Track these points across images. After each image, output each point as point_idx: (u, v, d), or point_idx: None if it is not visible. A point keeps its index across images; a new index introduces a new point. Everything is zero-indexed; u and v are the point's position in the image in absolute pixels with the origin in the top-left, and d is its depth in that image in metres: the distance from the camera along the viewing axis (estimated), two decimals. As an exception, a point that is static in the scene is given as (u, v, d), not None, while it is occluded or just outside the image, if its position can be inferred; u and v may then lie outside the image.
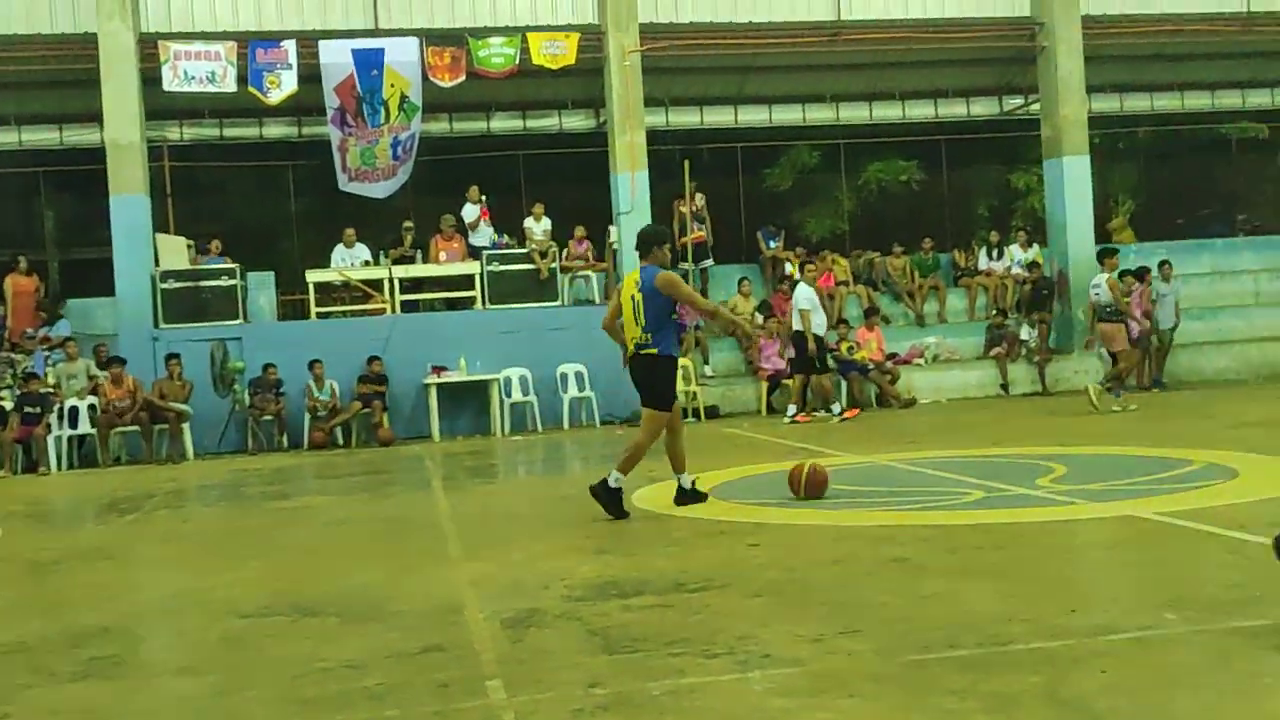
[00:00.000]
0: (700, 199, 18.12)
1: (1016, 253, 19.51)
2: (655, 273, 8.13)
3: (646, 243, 8.32)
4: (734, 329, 9.54)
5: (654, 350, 8.10)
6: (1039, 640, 4.53)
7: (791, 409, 15.41)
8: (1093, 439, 11.27)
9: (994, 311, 18.68)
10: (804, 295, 15.32)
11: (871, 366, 16.97)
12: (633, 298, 8.15)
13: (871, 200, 22.69)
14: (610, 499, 8.12)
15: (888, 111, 20.53)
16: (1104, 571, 5.77)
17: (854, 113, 20.45)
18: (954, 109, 20.75)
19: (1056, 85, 18.39)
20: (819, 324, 15.31)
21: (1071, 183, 18.39)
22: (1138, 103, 21.17)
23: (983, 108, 20.87)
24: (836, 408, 15.61)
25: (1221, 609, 4.82)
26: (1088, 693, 3.90)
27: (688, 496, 8.40)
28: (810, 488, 8.42)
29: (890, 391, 16.88)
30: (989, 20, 18.88)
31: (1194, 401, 15.11)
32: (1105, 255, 15.07)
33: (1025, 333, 18.19)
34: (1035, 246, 19.41)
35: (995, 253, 19.66)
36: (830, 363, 15.89)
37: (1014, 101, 20.57)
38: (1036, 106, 19.37)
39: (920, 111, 20.64)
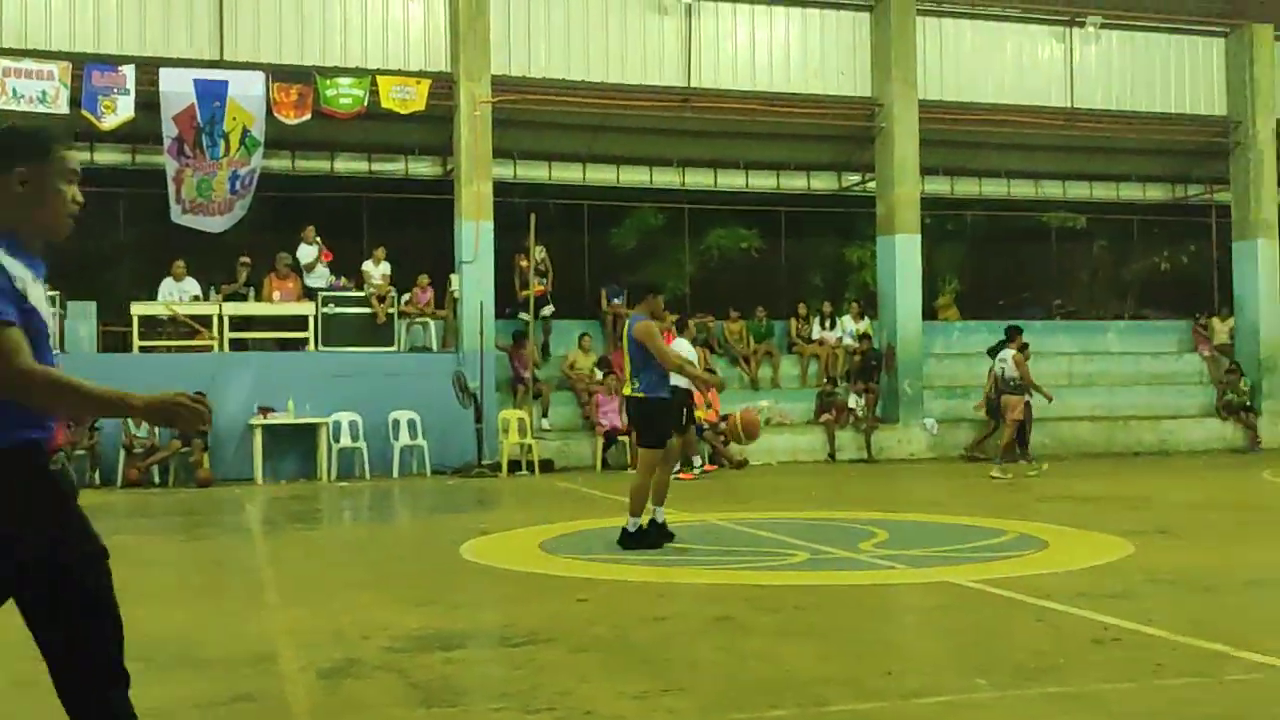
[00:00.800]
0: (541, 251, 18.17)
1: (848, 324, 20.08)
2: (637, 321, 8.69)
3: (639, 290, 9.04)
4: (700, 384, 9.88)
5: (641, 394, 8.61)
6: (856, 702, 4.61)
7: (697, 460, 15.85)
8: (914, 506, 11.60)
9: (825, 379, 19.15)
10: (683, 349, 15.61)
11: (706, 426, 17.17)
12: (625, 345, 8.80)
13: (712, 265, 23.08)
14: (640, 540, 8.56)
15: (732, 180, 20.95)
16: (920, 635, 5.92)
17: (699, 178, 20.81)
18: (795, 181, 21.30)
19: (893, 165, 19.08)
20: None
21: (902, 260, 19.04)
22: (967, 187, 22.08)
23: (822, 182, 21.47)
24: (697, 460, 15.87)
25: (1028, 675, 4.99)
26: (901, 753, 3.98)
27: (645, 538, 8.67)
28: (746, 426, 8.88)
29: (724, 452, 17.09)
30: (832, 98, 19.49)
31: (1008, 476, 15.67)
32: (1013, 333, 15.89)
33: (854, 401, 18.69)
34: (866, 319, 20.01)
35: (828, 323, 20.19)
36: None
37: (852, 178, 21.24)
38: (873, 184, 20.03)
39: (763, 182, 21.12)
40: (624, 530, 8.70)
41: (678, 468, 15.13)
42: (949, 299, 23.17)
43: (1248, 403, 20.13)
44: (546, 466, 16.54)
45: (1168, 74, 21.05)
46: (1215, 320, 21.88)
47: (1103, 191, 22.78)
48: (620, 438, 16.80)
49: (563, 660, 5.39)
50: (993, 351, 16.72)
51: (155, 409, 3.10)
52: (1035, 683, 4.86)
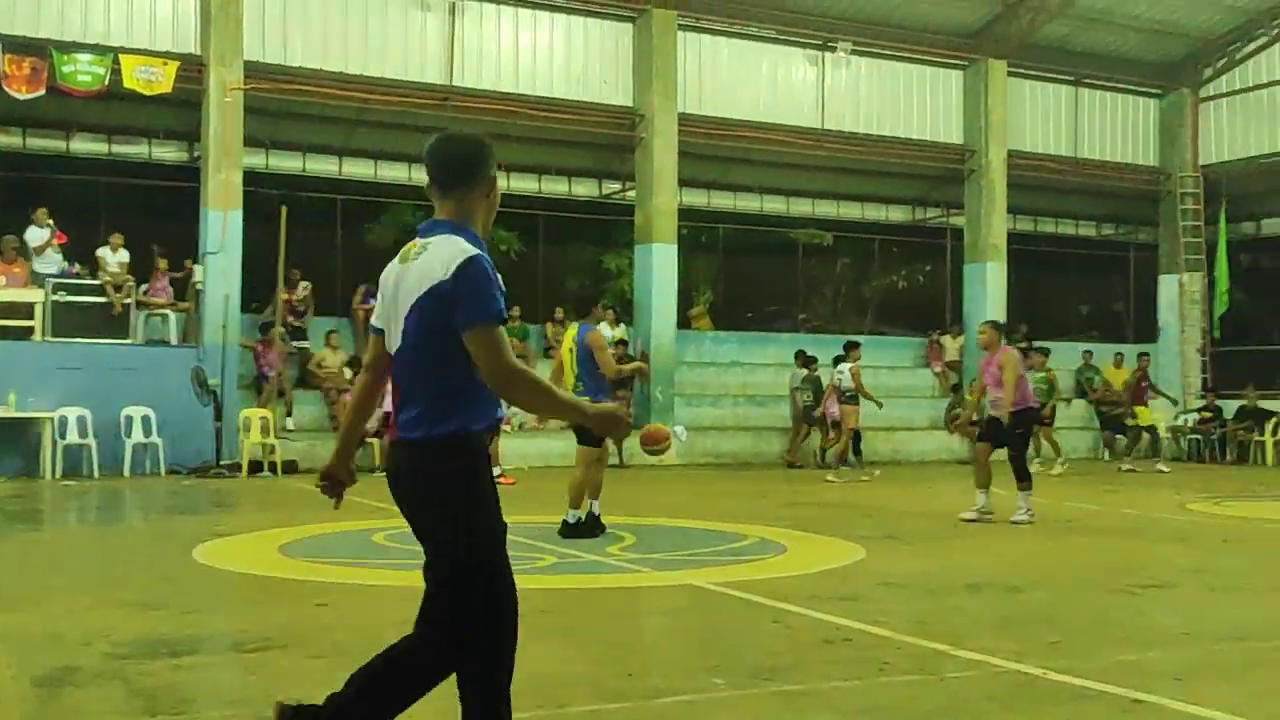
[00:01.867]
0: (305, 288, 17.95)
1: (605, 330, 20.23)
2: (588, 330, 9.70)
3: (586, 302, 10.24)
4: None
5: (587, 397, 9.18)
6: (597, 703, 4.64)
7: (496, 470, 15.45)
8: (662, 510, 11.79)
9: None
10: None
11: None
12: (571, 350, 9.70)
13: (469, 266, 22.84)
14: (579, 530, 9.44)
15: (492, 181, 20.82)
16: (662, 637, 6.01)
17: (459, 178, 20.59)
18: (556, 186, 21.37)
19: (652, 175, 19.40)
20: None
21: (659, 269, 19.38)
22: (723, 200, 22.66)
23: (583, 189, 21.63)
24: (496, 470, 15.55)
25: (763, 674, 5.13)
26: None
27: (583, 529, 9.51)
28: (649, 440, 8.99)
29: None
30: (594, 106, 19.68)
31: (749, 480, 16.15)
32: (851, 347, 16.99)
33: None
34: (622, 326, 20.25)
35: (584, 328, 20.32)
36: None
37: (612, 186, 21.48)
38: (633, 193, 20.32)
39: (524, 185, 21.08)
40: (564, 521, 9.54)
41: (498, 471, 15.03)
42: (702, 309, 23.71)
43: (975, 417, 21.35)
44: (290, 468, 16.02)
45: (911, 102, 22.18)
46: (947, 337, 23.16)
47: (848, 211, 23.77)
48: (370, 440, 16.44)
49: (299, 666, 5.21)
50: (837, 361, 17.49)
51: (605, 419, 3.61)
52: (770, 681, 5.00)
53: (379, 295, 3.58)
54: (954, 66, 22.38)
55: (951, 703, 4.72)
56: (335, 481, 3.78)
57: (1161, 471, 18.92)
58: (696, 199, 22.08)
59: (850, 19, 21.08)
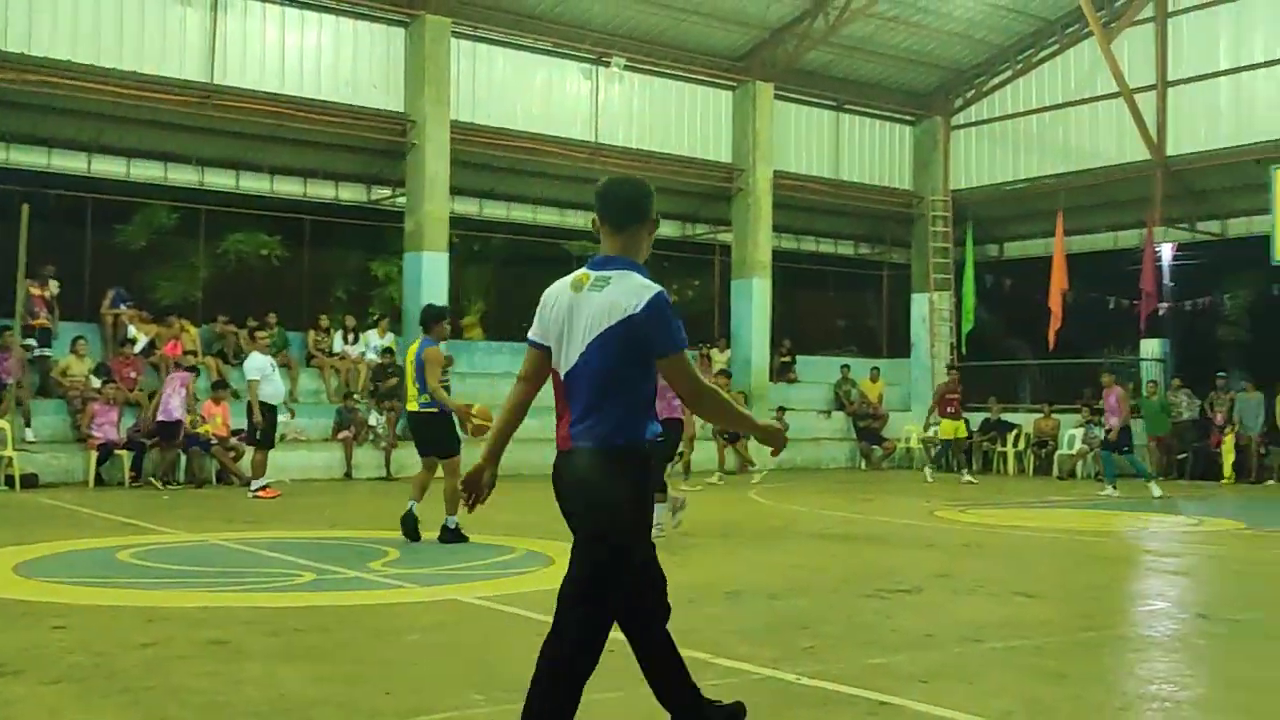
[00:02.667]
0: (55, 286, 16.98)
1: (373, 339, 19.87)
2: (430, 345, 10.14)
3: (429, 318, 10.36)
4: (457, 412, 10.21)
5: (434, 409, 10.13)
6: (350, 724, 4.50)
7: (255, 482, 14.73)
8: (429, 525, 11.57)
9: (345, 395, 18.82)
10: (254, 365, 14.70)
11: (215, 441, 16.37)
12: (410, 365, 10.22)
13: (229, 270, 22.08)
14: (459, 535, 10.10)
15: (255, 183, 20.14)
16: (422, 654, 5.89)
17: (219, 179, 19.84)
18: (322, 190, 20.85)
19: (423, 182, 19.15)
20: (269, 394, 14.65)
21: (429, 277, 19.13)
22: (496, 210, 22.58)
23: (351, 193, 21.17)
24: (255, 483, 14.81)
25: (524, 689, 5.06)
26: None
27: (451, 536, 10.07)
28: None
29: (233, 469, 16.36)
30: (363, 110, 19.29)
31: (523, 492, 16.03)
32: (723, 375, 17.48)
33: (374, 419, 18.50)
34: (391, 335, 19.90)
35: (351, 337, 19.88)
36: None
37: (382, 192, 21.10)
38: (403, 199, 20.00)
39: (288, 188, 20.49)
40: (444, 527, 10.11)
41: (263, 483, 14.37)
42: (474, 319, 23.56)
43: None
44: (29, 482, 15.07)
45: (682, 119, 22.65)
46: (715, 351, 23.68)
47: (620, 225, 24.00)
48: (118, 451, 15.66)
49: (33, 693, 4.88)
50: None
51: (770, 434, 4.18)
52: (530, 696, 4.95)
53: (542, 315, 4.04)
54: (724, 87, 22.95)
55: (708, 711, 4.78)
56: (477, 485, 4.20)
57: (971, 483, 19.33)
58: (469, 208, 21.93)
59: (625, 35, 21.36)
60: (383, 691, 5.00)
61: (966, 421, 21.14)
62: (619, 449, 3.84)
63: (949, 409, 20.11)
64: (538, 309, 4.08)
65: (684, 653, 5.82)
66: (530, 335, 4.08)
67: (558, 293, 4.02)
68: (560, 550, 9.67)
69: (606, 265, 3.96)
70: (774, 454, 4.35)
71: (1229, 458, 20.50)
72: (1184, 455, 21.40)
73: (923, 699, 5.02)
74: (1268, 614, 7.54)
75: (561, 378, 3.95)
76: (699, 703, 4.35)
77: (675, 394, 3.99)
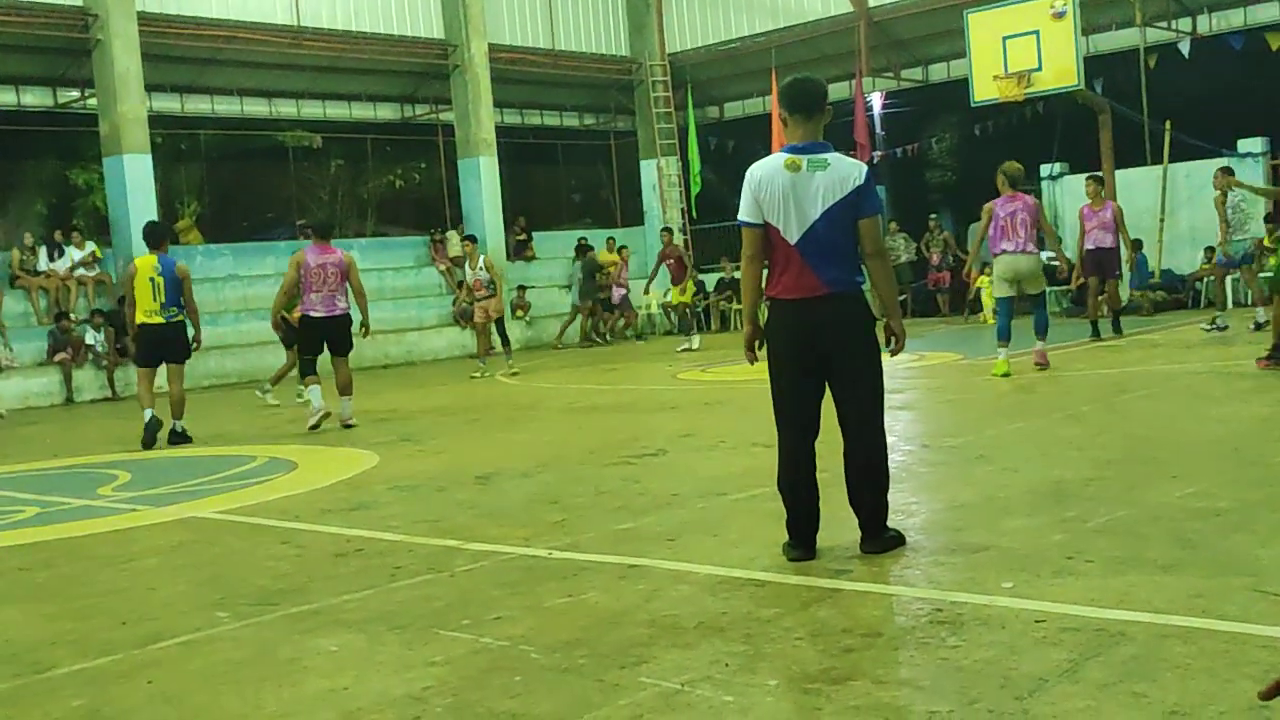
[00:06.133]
0: None
1: (76, 253, 18.61)
2: (174, 262, 10.87)
3: (157, 234, 11.09)
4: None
5: (180, 319, 10.85)
6: (84, 660, 4.28)
7: None
8: (159, 441, 11.07)
9: (57, 315, 17.64)
10: None
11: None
12: (152, 280, 10.64)
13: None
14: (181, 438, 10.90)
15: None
16: (160, 578, 5.65)
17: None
18: (4, 97, 19.21)
19: (114, 81, 17.85)
20: None
21: (133, 181, 17.98)
22: (199, 105, 21.34)
23: (36, 98, 19.58)
24: None
25: (270, 600, 4.96)
26: (132, 707, 3.76)
27: (179, 438, 10.85)
28: None
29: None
30: (37, 5, 17.75)
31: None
32: (469, 240, 17.32)
33: (91, 337, 17.44)
34: (92, 244, 18.68)
35: (57, 252, 18.57)
36: None
37: (70, 95, 19.59)
38: (94, 101, 18.62)
39: (-37, 97, 18.79)
40: (172, 431, 10.88)
41: None
42: (189, 222, 22.35)
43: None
44: None
45: (389, -3, 21.82)
46: (451, 233, 23.30)
47: (336, 111, 23.20)
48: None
49: None
50: None
51: (900, 323, 5.15)
52: (277, 606, 4.84)
53: (757, 197, 4.88)
54: (429, -41, 22.20)
55: (462, 596, 4.79)
56: (754, 344, 5.17)
57: (689, 350, 18.52)
58: (169, 105, 20.67)
59: (319, -91, 20.31)
60: (119, 623, 4.78)
61: (698, 284, 21.50)
62: (860, 289, 4.93)
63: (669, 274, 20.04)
64: (747, 193, 4.90)
65: (434, 542, 5.83)
66: (745, 218, 4.92)
67: (770, 175, 4.86)
68: (304, 454, 9.47)
69: (814, 150, 4.87)
70: (894, 353, 5.16)
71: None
72: (903, 295, 22.56)
73: (670, 557, 5.16)
74: (977, 438, 8.09)
75: (792, 243, 4.83)
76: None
77: (864, 248, 4.93)
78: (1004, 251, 11.60)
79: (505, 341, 16.61)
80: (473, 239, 17.57)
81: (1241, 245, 16.33)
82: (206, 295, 19.84)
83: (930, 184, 30.82)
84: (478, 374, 16.17)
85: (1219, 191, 14.72)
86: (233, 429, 12.08)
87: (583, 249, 23.22)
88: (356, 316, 11.62)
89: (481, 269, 16.59)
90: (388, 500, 7.20)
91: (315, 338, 11.32)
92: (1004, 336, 11.56)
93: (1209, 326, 14.53)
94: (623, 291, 23.41)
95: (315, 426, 11.02)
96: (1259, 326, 13.79)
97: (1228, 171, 14.51)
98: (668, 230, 21.91)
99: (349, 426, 11.09)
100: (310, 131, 23.42)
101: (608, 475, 7.51)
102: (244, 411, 13.85)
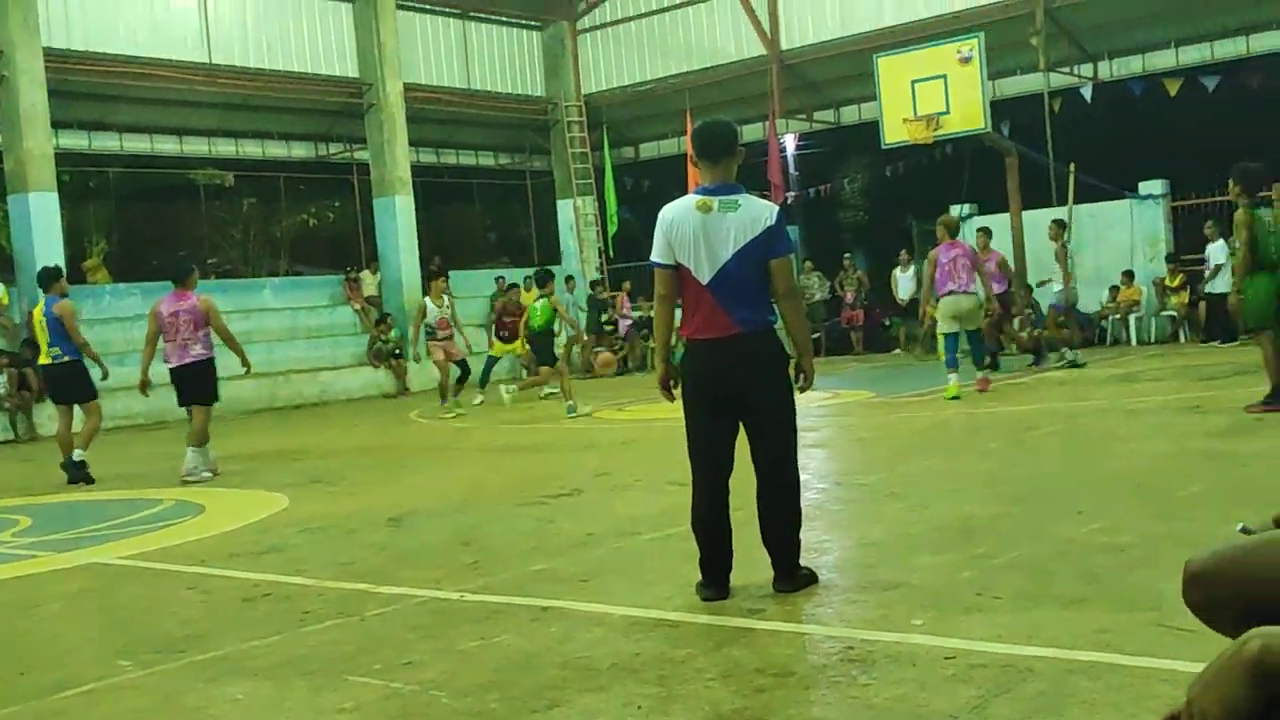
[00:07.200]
0: None
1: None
2: (55, 301, 10.89)
3: (46, 280, 11.14)
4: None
5: (67, 359, 10.92)
6: (-21, 714, 4.15)
7: None
8: (64, 488, 10.81)
9: (-44, 355, 17.17)
10: None
11: None
12: (40, 322, 10.99)
13: None
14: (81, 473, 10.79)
15: None
16: (62, 625, 5.50)
17: None
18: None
19: (19, 117, 17.49)
20: None
21: (39, 220, 17.60)
22: (107, 142, 21.00)
23: (-63, 134, 19.11)
24: None
25: (175, 647, 4.84)
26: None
27: (79, 471, 10.77)
28: None
29: None
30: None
31: (169, 441, 15.27)
32: (432, 277, 16.68)
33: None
34: (3, 286, 18.24)
35: (-43, 292, 18.09)
36: None
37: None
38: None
39: None
40: (72, 461, 10.80)
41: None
42: (98, 260, 21.94)
43: (396, 350, 21.54)
44: None
45: (303, 34, 21.68)
46: (365, 273, 23.13)
47: (249, 148, 22.96)
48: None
49: None
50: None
51: (811, 369, 5.17)
52: (182, 653, 4.73)
53: (669, 237, 4.96)
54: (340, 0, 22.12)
55: (372, 641, 4.72)
56: (669, 383, 5.22)
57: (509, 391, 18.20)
58: (76, 141, 20.32)
59: (231, -53, 20.17)
60: (17, 672, 4.64)
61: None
62: (770, 327, 4.97)
63: (502, 332, 18.12)
64: (659, 234, 4.98)
65: (344, 585, 5.75)
66: (657, 259, 5.00)
67: (681, 216, 4.93)
68: (212, 496, 9.30)
69: (725, 191, 4.94)
70: (802, 390, 5.11)
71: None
72: (816, 334, 22.81)
73: (585, 598, 5.14)
74: (889, 475, 8.19)
75: (704, 283, 4.88)
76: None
77: (775, 288, 4.95)
78: (949, 292, 13.04)
79: (461, 380, 16.36)
80: (444, 274, 17.16)
81: (1067, 294, 16.76)
82: (115, 335, 19.45)
83: (843, 223, 31.31)
84: (449, 414, 15.46)
85: (1057, 243, 15.98)
86: (140, 471, 11.82)
87: (509, 287, 23.12)
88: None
89: (446, 306, 16.36)
90: (297, 543, 7.09)
91: (176, 388, 10.92)
92: (952, 366, 12.84)
93: (1060, 362, 15.53)
94: (628, 322, 23.36)
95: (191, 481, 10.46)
96: (1072, 364, 15.35)
97: (1060, 225, 16.16)
98: (515, 287, 21.04)
99: (187, 482, 10.29)
100: (222, 169, 23.16)
101: (522, 516, 7.47)
102: (152, 453, 13.57)
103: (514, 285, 20.47)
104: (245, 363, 11.42)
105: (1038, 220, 19.00)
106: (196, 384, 10.78)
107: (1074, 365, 15.40)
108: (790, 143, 25.52)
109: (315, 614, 5.23)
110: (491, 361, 18.13)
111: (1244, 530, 2.66)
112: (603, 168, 25.36)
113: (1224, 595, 2.54)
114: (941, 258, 13.13)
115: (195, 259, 23.77)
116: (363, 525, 7.53)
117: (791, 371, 5.09)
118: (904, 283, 21.28)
